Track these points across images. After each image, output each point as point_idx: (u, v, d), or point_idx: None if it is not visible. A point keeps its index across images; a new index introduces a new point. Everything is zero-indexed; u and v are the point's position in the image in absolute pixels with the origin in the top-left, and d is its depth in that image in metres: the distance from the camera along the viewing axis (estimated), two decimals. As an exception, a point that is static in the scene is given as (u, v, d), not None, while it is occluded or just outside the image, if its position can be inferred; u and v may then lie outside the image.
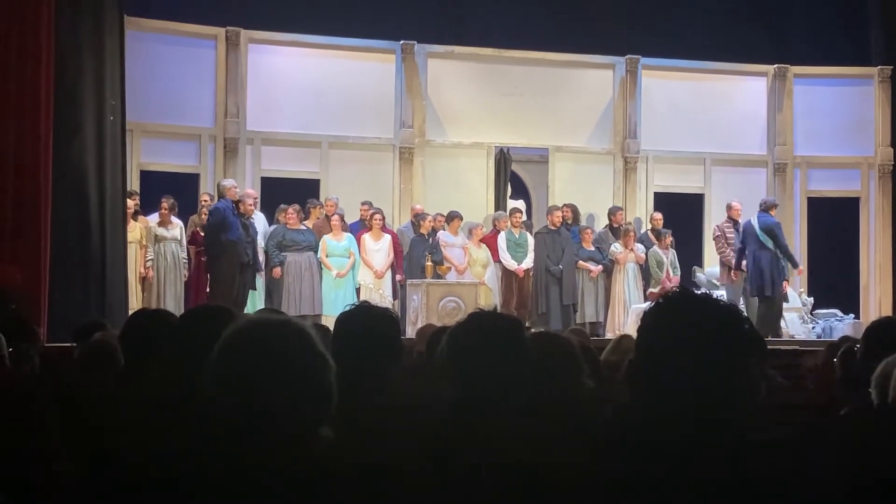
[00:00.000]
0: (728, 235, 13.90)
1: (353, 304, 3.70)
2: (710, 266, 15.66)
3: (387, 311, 3.63)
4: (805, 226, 16.07)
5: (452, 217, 13.99)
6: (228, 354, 2.19)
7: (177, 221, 12.96)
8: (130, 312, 8.91)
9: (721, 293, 12.99)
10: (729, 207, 14.33)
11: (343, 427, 2.21)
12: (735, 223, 14.02)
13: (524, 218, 15.19)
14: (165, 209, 12.81)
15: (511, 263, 13.93)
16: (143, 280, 12.57)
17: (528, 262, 13.99)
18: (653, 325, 2.20)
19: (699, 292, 2.28)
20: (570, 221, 14.23)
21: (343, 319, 3.60)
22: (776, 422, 3.74)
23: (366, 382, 3.35)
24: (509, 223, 14.22)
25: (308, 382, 2.17)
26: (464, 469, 2.40)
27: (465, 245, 13.92)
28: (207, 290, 12.71)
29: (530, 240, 14.19)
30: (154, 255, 12.58)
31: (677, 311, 2.19)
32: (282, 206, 13.40)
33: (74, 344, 6.05)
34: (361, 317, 3.56)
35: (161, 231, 12.71)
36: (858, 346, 4.40)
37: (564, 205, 14.50)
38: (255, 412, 2.13)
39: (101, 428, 2.64)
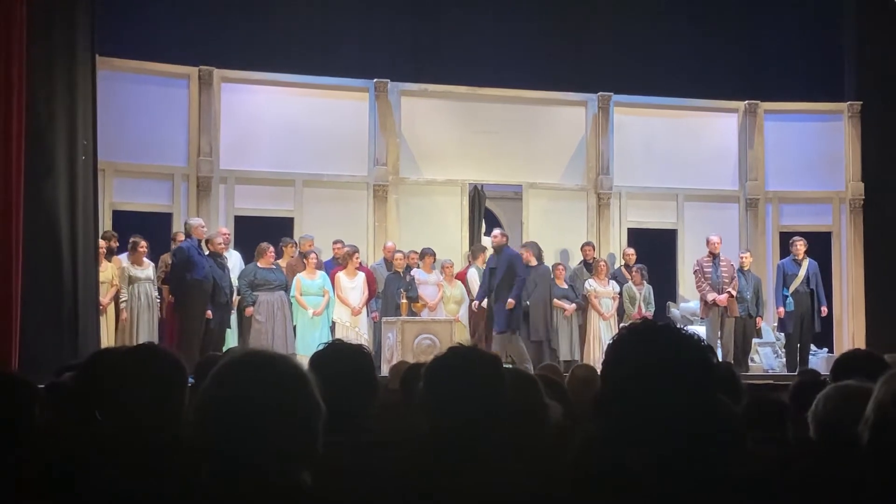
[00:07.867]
0: (706, 270, 13.84)
1: (325, 343, 3.68)
2: (685, 301, 15.71)
3: (360, 348, 3.62)
4: (777, 260, 16.13)
5: (425, 254, 13.97)
6: (218, 390, 2.10)
7: (148, 262, 12.86)
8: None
9: (698, 328, 13.01)
10: (707, 242, 14.15)
11: (320, 465, 2.16)
12: (715, 258, 13.92)
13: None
14: (143, 248, 12.71)
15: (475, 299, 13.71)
16: (117, 321, 12.45)
17: None
18: (616, 357, 2.21)
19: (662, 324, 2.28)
20: (530, 264, 13.65)
21: (317, 359, 3.58)
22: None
23: (343, 421, 3.33)
24: (480, 259, 14.17)
25: (298, 428, 2.08)
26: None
27: (439, 282, 13.90)
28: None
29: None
30: (128, 296, 12.48)
31: (639, 342, 2.20)
32: (261, 245, 13.26)
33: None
34: (335, 355, 3.55)
35: (135, 272, 12.60)
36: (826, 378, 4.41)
37: (524, 244, 14.23)
38: (240, 454, 2.04)
39: (76, 469, 2.60)
